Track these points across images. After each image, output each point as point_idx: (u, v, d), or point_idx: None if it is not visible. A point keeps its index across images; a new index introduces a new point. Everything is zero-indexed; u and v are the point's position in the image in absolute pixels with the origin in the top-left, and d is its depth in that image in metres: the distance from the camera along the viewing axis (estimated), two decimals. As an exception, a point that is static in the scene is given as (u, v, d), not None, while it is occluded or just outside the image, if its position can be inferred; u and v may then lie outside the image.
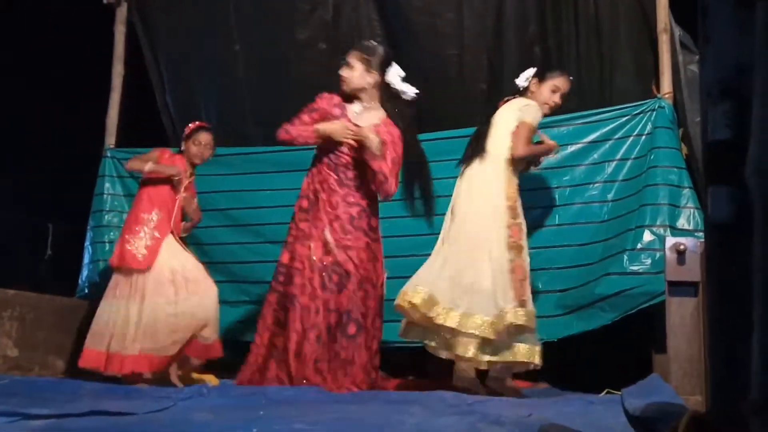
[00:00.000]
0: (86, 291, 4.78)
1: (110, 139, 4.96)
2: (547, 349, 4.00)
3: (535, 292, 3.81)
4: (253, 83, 5.02)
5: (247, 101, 5.02)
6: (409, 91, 3.72)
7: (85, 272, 4.86)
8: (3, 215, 5.20)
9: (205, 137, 4.20)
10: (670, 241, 3.06)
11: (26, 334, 4.56)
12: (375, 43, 3.88)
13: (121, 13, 5.18)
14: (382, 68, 3.70)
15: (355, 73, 3.69)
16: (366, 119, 3.67)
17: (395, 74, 3.70)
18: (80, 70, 5.16)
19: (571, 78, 3.84)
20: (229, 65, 4.98)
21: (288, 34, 4.92)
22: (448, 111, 4.66)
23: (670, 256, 3.01)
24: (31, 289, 4.76)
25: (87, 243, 4.88)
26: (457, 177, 4.37)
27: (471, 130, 4.43)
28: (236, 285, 4.65)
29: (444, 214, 3.70)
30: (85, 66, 5.17)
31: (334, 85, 4.82)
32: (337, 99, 3.76)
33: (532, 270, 4.02)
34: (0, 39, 5.04)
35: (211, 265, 4.50)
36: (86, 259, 4.87)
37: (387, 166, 3.57)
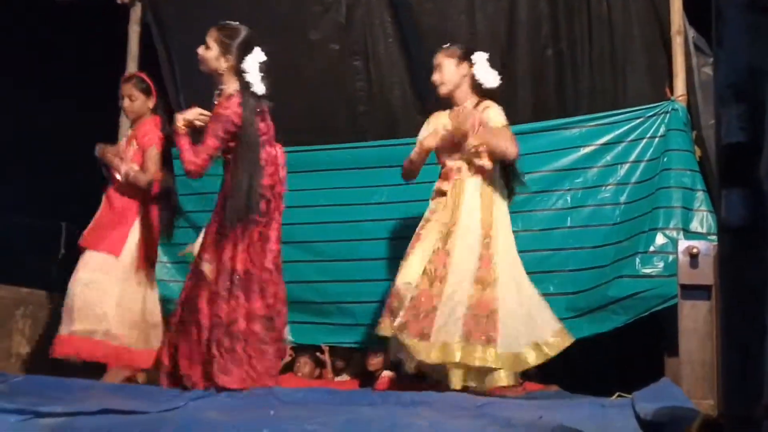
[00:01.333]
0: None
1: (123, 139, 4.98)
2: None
3: (547, 295, 3.81)
4: (265, 83, 5.02)
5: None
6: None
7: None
8: (17, 215, 5.23)
9: (125, 88, 4.20)
10: (683, 244, 3.04)
11: (39, 333, 4.60)
12: (236, 24, 3.66)
13: (135, 13, 5.21)
14: (241, 52, 3.53)
15: (210, 54, 3.56)
16: None
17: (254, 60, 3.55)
18: (94, 70, 5.19)
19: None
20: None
21: (300, 35, 4.92)
22: (460, 113, 4.65)
23: (683, 259, 2.99)
24: (44, 287, 4.80)
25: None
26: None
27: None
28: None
29: None
30: (98, 66, 5.20)
31: (345, 85, 4.87)
32: None
33: (544, 272, 4.04)
34: (13, 40, 5.07)
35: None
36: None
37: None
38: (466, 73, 3.78)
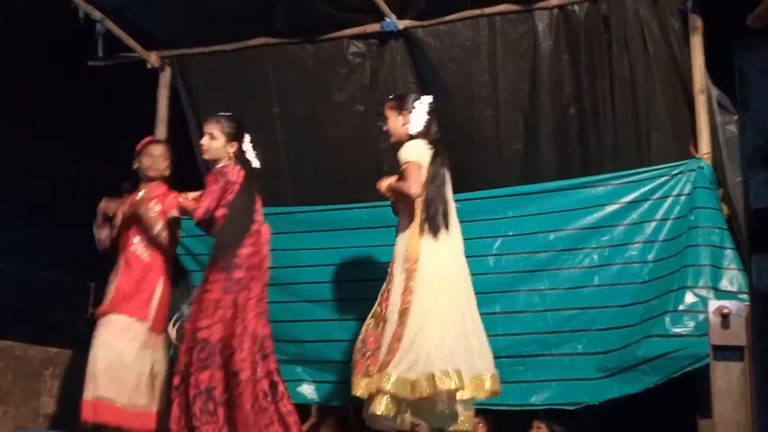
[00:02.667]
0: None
1: (152, 200, 5.05)
2: (589, 412, 3.95)
3: (575, 354, 3.77)
4: (291, 144, 5.10)
5: (285, 162, 5.09)
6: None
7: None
8: (46, 274, 5.28)
9: (157, 149, 4.19)
10: (714, 304, 3.00)
11: (67, 392, 4.60)
12: (232, 113, 3.96)
13: (165, 77, 5.33)
14: (242, 138, 3.82)
15: (217, 143, 3.79)
16: None
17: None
18: (124, 133, 5.29)
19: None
20: (268, 127, 5.06)
21: (325, 97, 5.00)
22: (483, 172, 4.68)
23: (714, 319, 2.95)
24: (73, 347, 4.81)
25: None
26: (493, 237, 4.41)
27: (506, 190, 4.49)
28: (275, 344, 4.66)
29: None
30: (128, 129, 5.30)
31: (370, 145, 4.92)
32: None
33: (571, 331, 4.00)
34: (46, 98, 5.19)
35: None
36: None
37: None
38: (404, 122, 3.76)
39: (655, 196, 4.17)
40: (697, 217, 3.97)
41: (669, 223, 4.11)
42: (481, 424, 4.26)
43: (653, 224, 4.15)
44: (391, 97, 3.89)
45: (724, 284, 3.83)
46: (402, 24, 4.80)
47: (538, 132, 4.62)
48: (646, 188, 4.20)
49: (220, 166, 3.74)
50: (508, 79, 4.69)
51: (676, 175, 4.15)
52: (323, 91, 5.01)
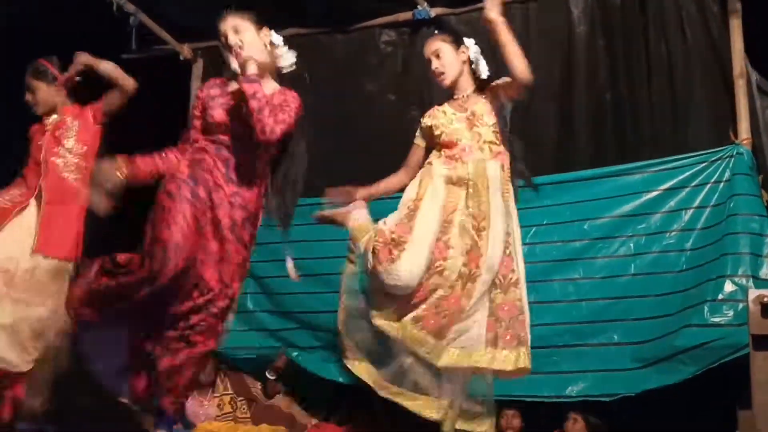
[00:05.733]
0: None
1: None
2: (625, 403, 3.90)
3: (611, 344, 3.72)
4: (322, 135, 5.09)
5: (316, 152, 5.08)
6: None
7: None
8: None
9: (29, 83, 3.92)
10: (753, 293, 2.96)
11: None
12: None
13: (197, 69, 5.36)
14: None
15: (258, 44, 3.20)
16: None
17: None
18: (156, 125, 5.32)
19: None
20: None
21: (357, 87, 4.99)
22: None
23: (754, 308, 2.91)
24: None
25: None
26: (528, 226, 4.35)
27: (541, 179, 4.43)
28: (309, 332, 4.71)
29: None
30: (160, 121, 5.33)
31: (402, 135, 4.88)
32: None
33: (607, 321, 4.02)
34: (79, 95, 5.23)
35: (283, 313, 4.60)
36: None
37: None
38: (465, 59, 3.44)
39: (693, 183, 4.10)
40: (736, 203, 3.90)
41: (707, 210, 4.03)
42: (515, 417, 4.22)
43: (691, 212, 4.07)
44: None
45: (764, 272, 3.75)
46: (434, 12, 4.77)
47: (573, 119, 4.56)
48: (684, 175, 4.13)
49: None
50: (542, 66, 4.61)
51: (714, 161, 4.07)
52: (354, 81, 5.00)
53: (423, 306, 3.11)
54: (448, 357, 3.11)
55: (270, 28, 3.29)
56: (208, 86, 3.29)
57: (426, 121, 3.47)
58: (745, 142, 4.03)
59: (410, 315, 3.11)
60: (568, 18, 4.60)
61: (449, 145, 3.33)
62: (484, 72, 3.45)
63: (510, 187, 3.31)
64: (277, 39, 3.29)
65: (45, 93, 3.93)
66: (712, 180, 4.05)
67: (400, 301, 3.13)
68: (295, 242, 4.77)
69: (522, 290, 3.23)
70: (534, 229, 4.36)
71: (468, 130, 3.33)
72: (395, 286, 3.09)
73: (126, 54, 5.11)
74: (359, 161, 4.96)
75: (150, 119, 5.34)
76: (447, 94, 3.47)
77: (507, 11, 4.59)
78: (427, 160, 3.41)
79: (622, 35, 4.49)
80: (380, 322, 3.16)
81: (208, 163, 3.10)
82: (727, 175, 4.00)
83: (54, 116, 3.93)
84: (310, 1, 4.84)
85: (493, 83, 3.40)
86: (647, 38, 4.42)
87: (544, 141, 4.64)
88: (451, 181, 3.26)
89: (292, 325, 4.71)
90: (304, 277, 4.79)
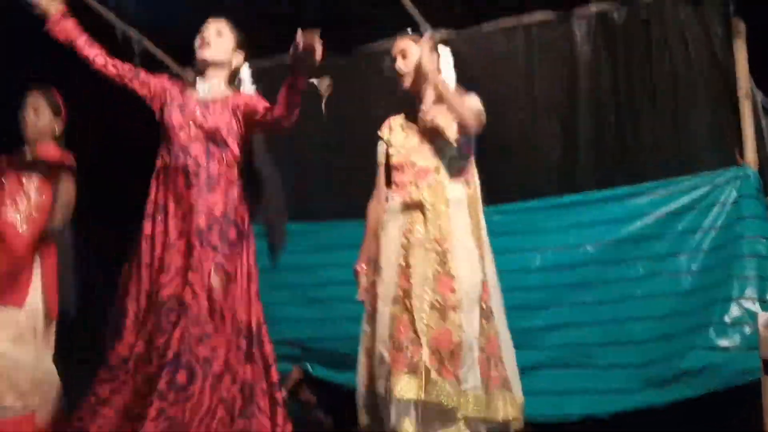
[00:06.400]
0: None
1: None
2: (634, 423, 3.85)
3: (617, 366, 3.69)
4: (325, 159, 5.08)
5: (319, 177, 5.08)
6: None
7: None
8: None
9: (33, 100, 3.70)
10: (763, 316, 2.94)
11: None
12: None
13: (201, 92, 5.36)
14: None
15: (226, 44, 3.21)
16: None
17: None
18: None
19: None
20: (305, 141, 5.04)
21: (362, 110, 4.98)
22: (520, 181, 4.61)
23: (765, 333, 2.88)
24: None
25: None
26: (534, 249, 4.32)
27: (546, 201, 4.41)
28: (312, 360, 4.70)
29: None
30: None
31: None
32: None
33: (612, 343, 3.98)
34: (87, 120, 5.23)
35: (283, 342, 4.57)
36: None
37: None
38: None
39: (699, 205, 4.08)
40: (742, 226, 3.88)
41: (713, 232, 4.01)
42: None
43: (697, 233, 4.04)
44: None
45: (772, 296, 3.73)
46: (439, 35, 4.77)
47: (577, 140, 4.54)
48: (690, 197, 4.10)
49: None
50: (545, 87, 4.64)
51: (721, 183, 4.05)
52: (359, 104, 4.99)
53: None
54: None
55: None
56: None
57: (382, 134, 3.29)
58: (751, 163, 4.01)
59: None
60: (571, 39, 4.58)
61: (401, 168, 3.14)
62: (449, 81, 3.21)
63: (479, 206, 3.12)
64: (246, 72, 3.30)
65: (46, 120, 3.76)
66: (719, 201, 4.03)
67: None
68: (295, 268, 4.77)
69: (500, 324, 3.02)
70: (540, 252, 4.33)
71: (427, 143, 3.12)
72: None
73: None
74: (366, 185, 4.94)
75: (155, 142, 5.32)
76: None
77: (511, 33, 4.65)
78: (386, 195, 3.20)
79: (625, 56, 4.48)
80: None
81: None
82: (733, 197, 3.98)
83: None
84: (313, 26, 4.84)
85: None
86: (651, 59, 4.40)
87: (548, 162, 4.62)
88: (407, 207, 3.06)
89: (295, 352, 4.66)
90: (305, 303, 4.78)
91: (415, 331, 2.84)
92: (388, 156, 3.26)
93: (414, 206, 3.04)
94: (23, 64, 4.55)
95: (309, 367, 4.71)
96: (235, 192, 3.11)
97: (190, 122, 3.11)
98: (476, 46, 4.73)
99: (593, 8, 4.54)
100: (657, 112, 4.40)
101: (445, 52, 3.30)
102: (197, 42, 3.21)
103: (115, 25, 4.80)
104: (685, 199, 4.11)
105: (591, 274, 4.18)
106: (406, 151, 3.17)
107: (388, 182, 3.25)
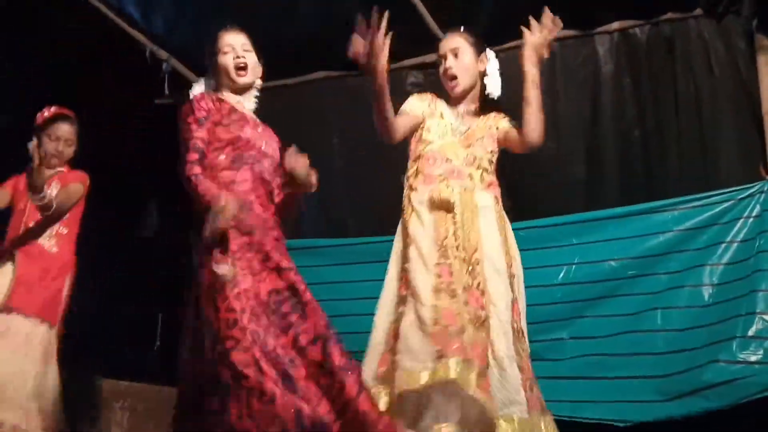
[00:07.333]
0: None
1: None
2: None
3: (637, 377, 3.67)
4: (351, 174, 5.12)
5: (344, 193, 5.12)
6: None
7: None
8: (115, 306, 5.39)
9: (64, 129, 3.68)
10: (786, 330, 2.90)
11: (137, 425, 4.67)
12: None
13: (229, 112, 5.43)
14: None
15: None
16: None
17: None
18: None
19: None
20: (327, 157, 5.09)
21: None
22: (545, 198, 4.62)
23: (787, 346, 2.85)
24: (142, 380, 4.89)
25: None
26: (558, 265, 4.31)
27: (571, 217, 4.41)
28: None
29: None
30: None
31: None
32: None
33: (634, 354, 3.95)
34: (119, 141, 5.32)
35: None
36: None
37: None
38: (483, 69, 3.07)
39: (722, 220, 4.05)
40: (765, 240, 3.85)
41: (735, 245, 3.97)
42: None
43: (720, 247, 4.01)
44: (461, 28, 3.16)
45: (795, 311, 3.69)
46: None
47: (601, 157, 4.55)
48: (714, 212, 4.07)
49: None
50: (569, 104, 4.65)
51: (744, 197, 4.02)
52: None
53: None
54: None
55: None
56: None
57: (423, 99, 3.07)
58: (775, 177, 4.00)
59: None
60: (594, 56, 4.61)
61: (433, 159, 2.98)
62: (495, 91, 3.10)
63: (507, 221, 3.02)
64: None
65: (72, 149, 3.78)
66: (742, 216, 4.00)
67: None
68: (325, 284, 4.81)
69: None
70: (565, 267, 4.33)
71: (463, 148, 3.01)
72: None
73: (159, 99, 5.22)
74: (387, 200, 4.98)
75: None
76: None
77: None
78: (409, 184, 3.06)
79: (648, 73, 4.50)
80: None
81: None
82: (757, 210, 3.95)
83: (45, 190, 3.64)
84: (338, 46, 4.90)
85: (499, 115, 3.14)
86: (674, 75, 4.42)
87: (572, 179, 4.63)
88: (433, 205, 2.91)
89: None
90: (335, 318, 4.79)
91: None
92: (417, 128, 3.08)
93: (442, 205, 2.92)
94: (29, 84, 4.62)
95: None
96: None
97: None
98: (499, 63, 4.75)
99: (616, 26, 4.56)
100: (681, 128, 4.40)
101: (493, 58, 3.18)
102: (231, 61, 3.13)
103: (144, 44, 4.90)
104: (708, 214, 4.09)
105: (614, 288, 4.17)
106: (442, 145, 3.02)
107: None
